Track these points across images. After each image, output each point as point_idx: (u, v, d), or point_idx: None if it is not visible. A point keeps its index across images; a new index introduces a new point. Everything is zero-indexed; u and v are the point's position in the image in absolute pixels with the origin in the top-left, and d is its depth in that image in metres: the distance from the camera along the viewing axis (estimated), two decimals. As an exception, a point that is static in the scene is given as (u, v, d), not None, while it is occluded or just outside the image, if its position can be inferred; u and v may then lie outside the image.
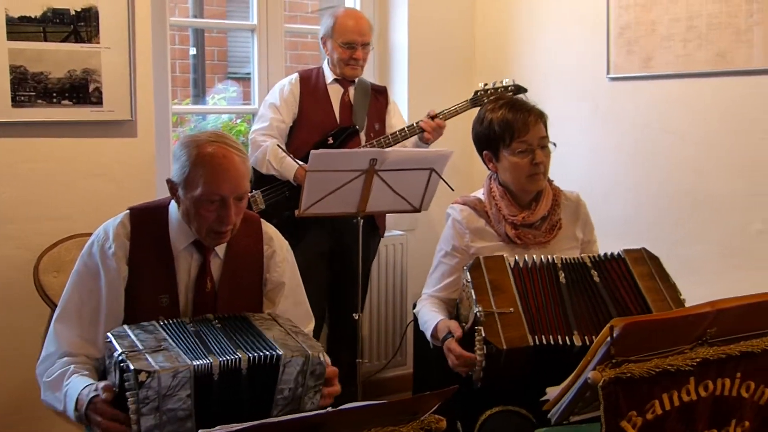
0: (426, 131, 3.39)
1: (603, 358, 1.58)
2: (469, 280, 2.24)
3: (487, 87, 3.43)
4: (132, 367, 1.71)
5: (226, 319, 2.03)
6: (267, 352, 1.85)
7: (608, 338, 1.55)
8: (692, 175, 3.26)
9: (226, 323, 2.01)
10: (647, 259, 2.35)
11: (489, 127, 2.54)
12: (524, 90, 3.38)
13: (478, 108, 3.36)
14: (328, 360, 1.96)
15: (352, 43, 3.48)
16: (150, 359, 1.75)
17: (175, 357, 1.78)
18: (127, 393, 1.72)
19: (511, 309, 2.18)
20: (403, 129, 3.44)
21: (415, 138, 3.48)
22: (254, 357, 1.84)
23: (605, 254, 2.37)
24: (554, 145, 2.55)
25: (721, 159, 3.16)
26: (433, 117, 3.41)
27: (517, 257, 2.33)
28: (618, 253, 2.36)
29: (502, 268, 2.28)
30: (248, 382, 1.84)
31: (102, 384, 1.85)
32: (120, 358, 1.76)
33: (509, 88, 3.41)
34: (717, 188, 3.17)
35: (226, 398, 1.83)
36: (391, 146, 3.38)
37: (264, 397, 1.87)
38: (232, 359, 1.82)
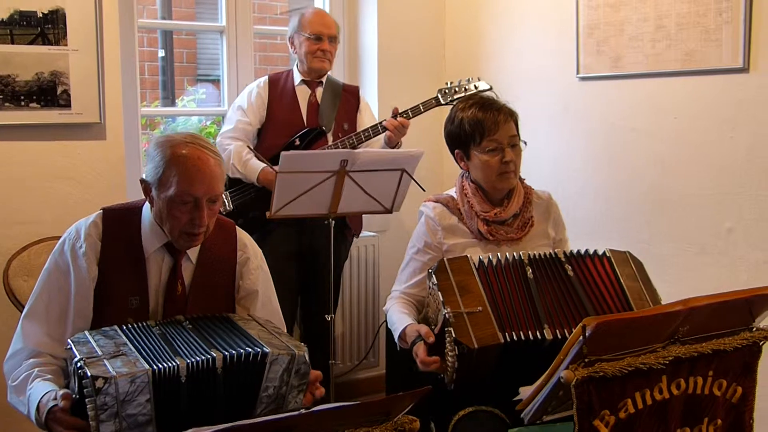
0: (389, 130, 3.39)
1: (575, 357, 1.59)
2: (436, 282, 2.24)
3: (452, 85, 3.45)
4: (89, 374, 1.69)
5: (200, 320, 2.02)
6: (252, 349, 1.85)
7: (580, 337, 1.56)
8: (662, 174, 3.29)
9: (198, 324, 2.00)
10: (631, 262, 2.36)
11: (460, 126, 2.55)
12: (488, 88, 3.40)
13: (443, 106, 3.40)
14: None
15: (319, 34, 3.50)
16: (108, 365, 1.73)
17: (134, 362, 1.76)
18: (87, 399, 1.71)
19: (480, 308, 2.18)
20: (368, 129, 3.46)
21: (382, 140, 3.48)
22: (232, 355, 1.83)
23: (587, 250, 2.38)
24: (525, 143, 2.56)
25: (690, 158, 3.19)
26: (396, 115, 3.41)
27: (481, 256, 2.33)
28: (603, 251, 2.37)
29: (467, 269, 2.28)
30: (225, 381, 1.82)
31: (61, 392, 1.84)
32: (78, 365, 1.75)
33: (474, 86, 3.43)
34: (687, 187, 3.21)
35: (200, 399, 1.81)
36: (356, 146, 3.38)
37: (247, 395, 1.86)
38: (203, 360, 1.80)
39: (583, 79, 3.58)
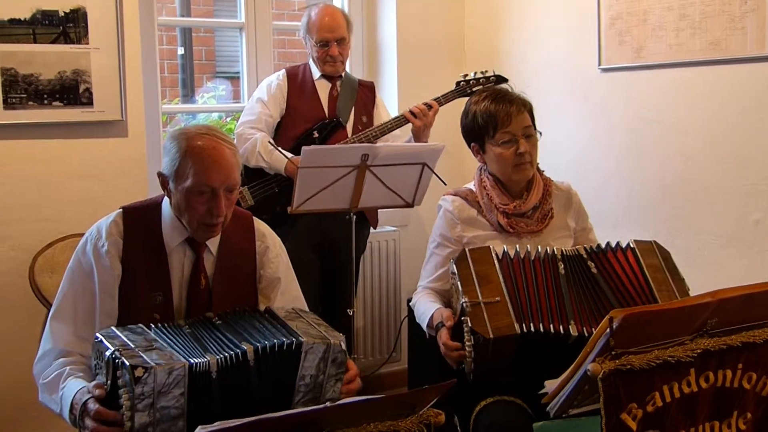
0: (413, 116, 3.37)
1: (602, 349, 1.57)
2: (456, 272, 2.25)
3: (468, 77, 3.43)
4: (128, 363, 1.70)
5: (229, 315, 2.03)
6: (287, 339, 1.86)
7: (607, 329, 1.54)
8: (686, 165, 3.26)
9: (229, 319, 2.01)
10: (657, 251, 2.34)
11: (473, 119, 2.55)
12: (505, 80, 3.39)
13: (462, 98, 3.39)
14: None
15: (324, 41, 3.47)
16: (144, 356, 1.74)
17: (169, 355, 1.78)
18: (121, 390, 1.72)
19: (498, 298, 2.18)
20: (390, 121, 3.44)
21: (410, 137, 3.47)
22: (264, 346, 1.85)
23: (608, 243, 2.37)
24: (540, 133, 2.55)
25: (716, 148, 3.15)
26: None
27: (506, 247, 2.32)
28: (627, 243, 2.35)
29: (488, 259, 2.28)
30: (259, 372, 1.84)
31: (93, 383, 1.85)
32: (114, 355, 1.75)
33: (490, 78, 3.41)
34: (712, 178, 3.17)
35: (233, 394, 1.82)
36: (377, 138, 3.37)
37: (285, 385, 1.88)
38: (233, 354, 1.82)
39: (605, 70, 3.55)
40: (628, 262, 2.32)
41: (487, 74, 3.44)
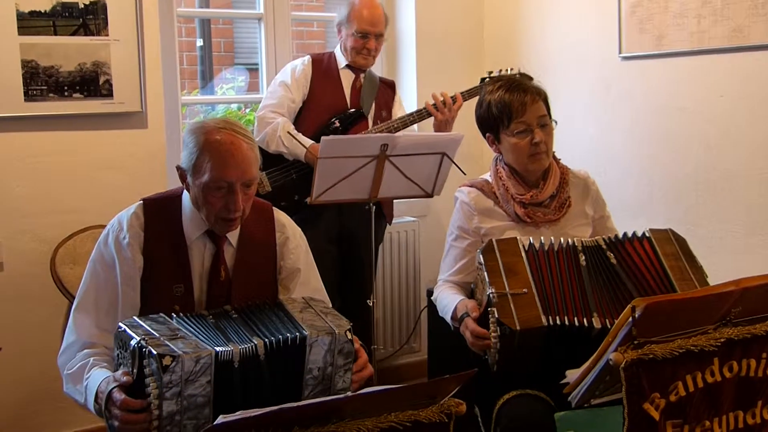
0: (436, 108, 3.35)
1: (624, 339, 1.56)
2: (482, 262, 2.23)
3: (492, 74, 3.41)
4: (155, 352, 1.70)
5: (245, 308, 2.03)
6: (290, 334, 1.86)
7: (630, 319, 1.53)
8: (709, 153, 3.22)
9: (243, 312, 2.00)
10: (673, 239, 2.32)
11: (488, 109, 2.54)
12: (530, 78, 3.35)
13: None
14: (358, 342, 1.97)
15: (365, 32, 3.46)
16: (171, 345, 1.75)
17: (195, 344, 1.78)
18: (148, 379, 1.72)
19: (525, 290, 2.16)
20: (411, 114, 3.43)
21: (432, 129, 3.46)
22: (271, 342, 1.84)
23: (625, 234, 2.35)
24: (555, 122, 2.53)
25: (738, 136, 3.12)
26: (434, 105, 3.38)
27: (532, 239, 2.31)
28: (643, 233, 2.33)
29: (515, 251, 2.26)
30: (269, 367, 1.84)
31: (119, 372, 1.85)
32: (140, 344, 1.75)
33: (515, 76, 3.38)
34: (734, 167, 3.13)
35: (249, 385, 1.83)
36: (398, 131, 3.35)
37: (292, 379, 1.87)
38: (249, 347, 1.83)
39: (626, 58, 3.52)
40: (645, 251, 2.30)
41: (513, 71, 3.41)
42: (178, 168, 2.11)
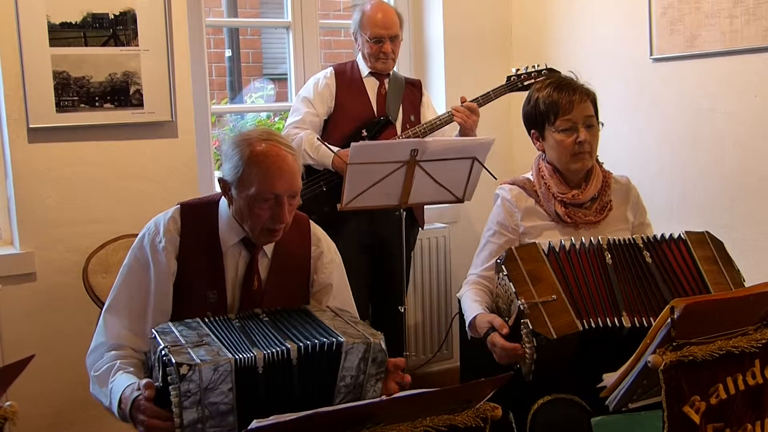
0: (456, 117, 3.34)
1: (663, 340, 1.53)
2: (506, 273, 2.20)
3: (519, 72, 3.40)
4: (174, 361, 1.71)
5: (276, 312, 2.03)
6: (327, 339, 1.85)
7: (668, 320, 1.50)
8: (743, 155, 3.17)
9: (275, 316, 2.00)
10: (710, 242, 2.29)
11: (535, 105, 2.53)
12: (558, 73, 3.33)
13: (514, 92, 3.35)
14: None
15: (379, 37, 3.45)
16: (192, 353, 1.75)
17: (217, 351, 1.78)
18: (170, 387, 1.73)
19: (554, 296, 2.13)
20: (438, 117, 3.42)
21: (458, 130, 3.44)
22: (306, 346, 1.84)
23: (662, 235, 2.32)
24: (602, 124, 2.51)
25: (773, 137, 3.07)
26: (463, 103, 3.36)
27: (551, 242, 2.28)
28: (679, 235, 2.30)
29: (537, 257, 2.23)
30: (301, 372, 1.83)
31: (144, 382, 1.86)
32: (163, 352, 1.77)
33: (542, 72, 3.37)
34: (770, 168, 3.08)
35: (277, 390, 1.82)
36: (426, 135, 3.35)
37: (325, 385, 1.86)
38: (278, 351, 1.81)
39: (657, 60, 3.48)
40: (681, 253, 2.27)
41: (539, 68, 3.40)
42: (221, 180, 2.11)
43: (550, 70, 3.38)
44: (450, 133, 3.52)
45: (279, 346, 1.83)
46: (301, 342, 1.85)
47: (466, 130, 3.38)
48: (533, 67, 3.41)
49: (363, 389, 1.90)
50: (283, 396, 1.83)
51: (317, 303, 2.23)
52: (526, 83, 3.35)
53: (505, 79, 3.41)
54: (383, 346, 1.89)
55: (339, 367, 1.85)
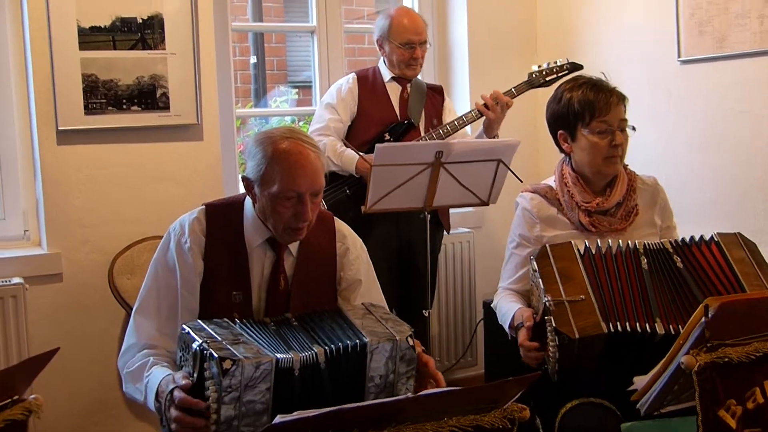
0: (483, 108, 3.29)
1: (697, 341, 1.50)
2: (537, 269, 2.17)
3: (541, 68, 3.36)
4: (216, 355, 1.69)
5: (305, 316, 2.01)
6: (351, 341, 1.83)
7: (702, 319, 1.46)
8: (775, 157, 3.12)
9: (304, 320, 1.99)
10: (743, 244, 2.23)
11: (568, 105, 2.44)
12: (580, 66, 3.31)
13: (537, 89, 3.33)
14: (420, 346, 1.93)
15: (410, 43, 3.43)
16: (232, 349, 1.73)
17: (256, 350, 1.76)
18: (207, 382, 1.71)
19: (582, 296, 2.09)
20: (462, 117, 3.38)
21: (480, 131, 3.41)
22: (331, 349, 1.82)
23: (692, 238, 2.27)
24: (634, 128, 2.46)
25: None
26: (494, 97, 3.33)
27: (587, 243, 2.24)
28: (711, 236, 2.25)
29: (570, 256, 2.20)
30: (330, 375, 1.82)
31: (179, 374, 1.84)
32: (202, 346, 1.74)
33: (564, 66, 3.33)
34: (803, 170, 3.03)
35: (308, 394, 1.80)
36: (450, 136, 3.32)
37: (354, 387, 1.85)
38: (309, 355, 1.81)
39: (685, 62, 3.43)
40: (713, 255, 2.21)
41: (560, 63, 3.36)
42: (244, 179, 2.10)
43: (573, 64, 3.34)
44: (472, 135, 3.49)
45: (308, 350, 1.82)
46: (328, 345, 1.84)
47: (493, 126, 3.34)
48: (554, 62, 3.37)
49: (395, 388, 1.88)
50: (315, 398, 1.81)
51: (346, 300, 2.21)
52: (548, 79, 3.31)
53: (527, 76, 3.38)
54: (411, 342, 1.87)
55: (366, 367, 1.84)
